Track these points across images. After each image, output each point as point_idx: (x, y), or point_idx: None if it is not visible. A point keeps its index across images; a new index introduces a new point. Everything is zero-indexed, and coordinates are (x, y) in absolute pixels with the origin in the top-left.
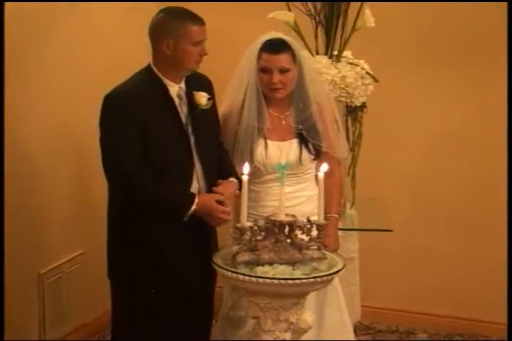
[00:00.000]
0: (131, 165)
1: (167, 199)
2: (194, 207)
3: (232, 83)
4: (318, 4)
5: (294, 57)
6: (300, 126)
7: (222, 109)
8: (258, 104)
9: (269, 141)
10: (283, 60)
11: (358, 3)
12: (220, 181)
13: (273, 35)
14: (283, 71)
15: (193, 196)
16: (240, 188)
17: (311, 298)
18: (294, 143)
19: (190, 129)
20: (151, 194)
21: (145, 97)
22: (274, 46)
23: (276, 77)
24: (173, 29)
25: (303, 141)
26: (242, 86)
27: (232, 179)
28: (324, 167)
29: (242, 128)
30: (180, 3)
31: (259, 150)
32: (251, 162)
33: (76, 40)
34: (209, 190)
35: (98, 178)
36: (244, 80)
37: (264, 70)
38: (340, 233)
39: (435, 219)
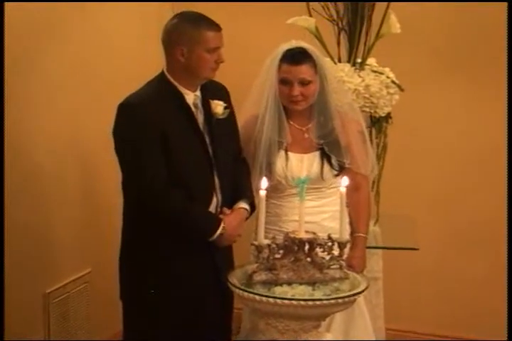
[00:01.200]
0: (159, 180)
1: (197, 222)
2: (219, 232)
3: (252, 94)
4: (341, 9)
5: (315, 67)
6: (321, 141)
7: (241, 121)
8: (278, 117)
9: (290, 153)
10: (304, 71)
11: (383, 9)
12: (227, 212)
13: (293, 44)
14: (304, 83)
15: (220, 221)
16: (252, 212)
17: (337, 321)
18: (317, 156)
19: (206, 140)
20: (181, 214)
21: (162, 106)
22: (295, 56)
23: (297, 90)
24: (187, 35)
25: (325, 155)
26: (261, 97)
27: (241, 205)
28: (345, 181)
29: (261, 142)
30: (194, 3)
31: (280, 162)
32: (271, 175)
33: (85, 46)
34: (225, 203)
35: (107, 193)
36: (264, 92)
37: (283, 82)
38: None
39: (464, 237)
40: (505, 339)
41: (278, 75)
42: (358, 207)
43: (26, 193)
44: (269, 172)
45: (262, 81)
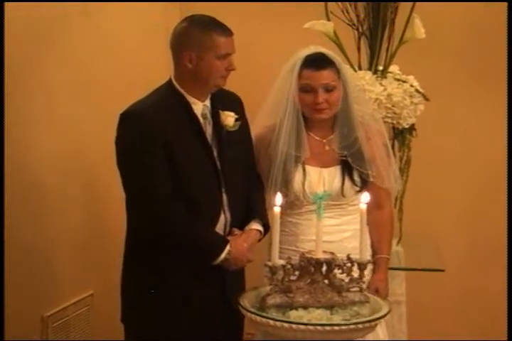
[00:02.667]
0: (163, 195)
1: (199, 242)
2: (224, 255)
3: (267, 105)
4: (362, 13)
5: (338, 73)
6: (345, 152)
7: (254, 133)
8: (297, 129)
9: (308, 167)
10: (327, 76)
11: (407, 12)
12: (237, 232)
13: (312, 49)
14: (328, 89)
15: (225, 242)
16: (265, 233)
17: None
18: (338, 170)
19: (215, 153)
20: (182, 232)
21: (167, 116)
22: (317, 61)
23: (322, 96)
24: (196, 40)
25: (347, 169)
26: (278, 108)
27: (254, 226)
28: (365, 197)
29: (277, 156)
30: (201, 3)
31: (298, 177)
32: (288, 193)
33: (88, 51)
34: (235, 222)
35: (111, 211)
36: (282, 101)
37: (305, 89)
38: None
39: (493, 258)
40: (505, 339)
41: (298, 82)
42: (381, 225)
43: (25, 211)
44: (287, 190)
45: (278, 89)
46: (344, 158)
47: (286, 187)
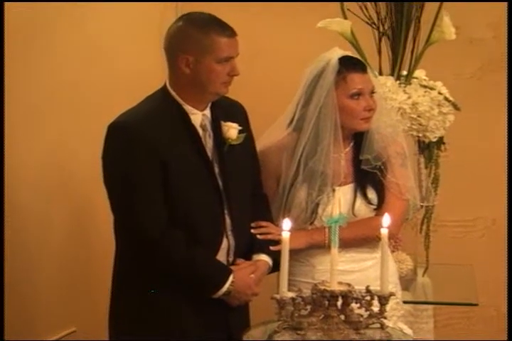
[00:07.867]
0: (156, 223)
1: (198, 273)
2: (227, 287)
3: (285, 117)
4: (383, 10)
5: None
6: (378, 164)
7: (261, 146)
8: (334, 143)
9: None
10: (371, 80)
11: (434, 10)
12: (242, 262)
13: (340, 52)
14: (371, 94)
15: (228, 272)
16: (274, 268)
17: None
18: (352, 188)
19: (216, 170)
20: (182, 263)
21: (161, 127)
22: (360, 64)
23: (373, 101)
24: (194, 41)
25: (360, 186)
26: (304, 122)
27: (262, 257)
28: (387, 220)
29: (298, 175)
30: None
31: (326, 199)
32: (312, 218)
33: (73, 53)
34: (239, 249)
35: (97, 239)
36: (309, 114)
37: (356, 95)
38: (409, 308)
39: None
40: (505, 339)
41: (344, 89)
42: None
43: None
44: (313, 213)
45: (303, 100)
46: (374, 171)
47: (313, 211)
